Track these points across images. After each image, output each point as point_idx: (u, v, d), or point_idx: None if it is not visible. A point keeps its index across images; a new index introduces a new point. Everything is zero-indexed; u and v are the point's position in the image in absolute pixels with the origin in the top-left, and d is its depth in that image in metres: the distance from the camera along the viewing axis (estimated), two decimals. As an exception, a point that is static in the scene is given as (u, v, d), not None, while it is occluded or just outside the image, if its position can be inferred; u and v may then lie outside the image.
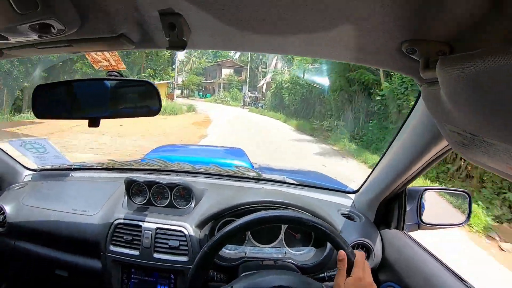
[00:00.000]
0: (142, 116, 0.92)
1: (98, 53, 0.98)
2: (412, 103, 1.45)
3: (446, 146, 0.98)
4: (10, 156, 1.67)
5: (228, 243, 1.03)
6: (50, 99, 1.01)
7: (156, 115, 0.91)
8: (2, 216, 1.47)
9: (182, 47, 0.70)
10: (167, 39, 0.69)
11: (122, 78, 0.91)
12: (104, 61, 0.99)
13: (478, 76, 0.46)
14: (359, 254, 0.95)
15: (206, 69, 51.07)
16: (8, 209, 1.48)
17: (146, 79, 0.95)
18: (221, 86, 45.20)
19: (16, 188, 1.61)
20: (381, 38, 0.66)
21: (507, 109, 0.45)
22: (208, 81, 49.47)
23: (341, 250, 0.93)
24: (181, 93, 51.63)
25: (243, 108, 33.90)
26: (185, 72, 52.26)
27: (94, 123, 0.93)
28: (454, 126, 0.64)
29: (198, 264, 0.96)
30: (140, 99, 0.97)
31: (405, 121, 1.13)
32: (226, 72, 46.17)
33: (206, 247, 0.97)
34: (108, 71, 0.99)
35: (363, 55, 0.79)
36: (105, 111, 0.96)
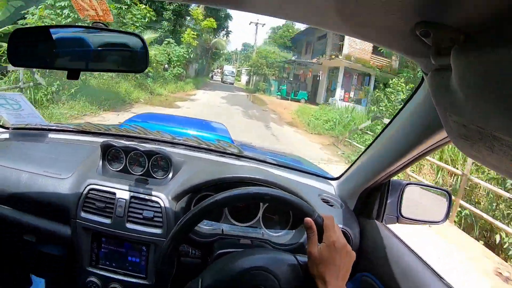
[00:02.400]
0: (125, 72, 0.86)
1: (85, 0, 0.90)
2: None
3: (442, 140, 0.96)
4: None
5: (205, 218, 0.98)
6: (28, 46, 0.93)
7: (141, 72, 0.85)
8: None
9: None
10: None
11: (108, 28, 0.85)
12: (91, 10, 0.92)
13: (496, 67, 0.44)
14: (328, 217, 0.91)
15: (297, 37, 28.70)
16: None
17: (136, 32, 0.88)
18: (326, 76, 21.05)
19: None
20: (395, 16, 0.61)
21: None
22: (302, 61, 25.60)
23: (306, 217, 0.89)
24: (248, 82, 38.05)
25: None
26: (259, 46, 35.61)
27: (73, 75, 0.87)
28: (460, 117, 0.61)
29: (173, 238, 0.92)
30: (125, 54, 0.91)
31: (399, 111, 1.10)
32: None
33: (182, 221, 0.92)
34: (94, 22, 0.92)
35: (373, 33, 0.75)
36: (86, 63, 0.90)
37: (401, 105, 1.10)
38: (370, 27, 0.71)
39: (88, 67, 0.90)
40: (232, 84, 38.68)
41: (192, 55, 21.74)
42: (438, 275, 1.12)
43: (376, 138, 1.25)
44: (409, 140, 1.06)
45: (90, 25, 0.90)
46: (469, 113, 0.57)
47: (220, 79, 42.31)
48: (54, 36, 0.93)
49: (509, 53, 0.41)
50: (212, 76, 45.29)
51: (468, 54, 0.50)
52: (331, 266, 0.83)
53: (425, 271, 1.13)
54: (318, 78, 23.31)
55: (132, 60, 0.90)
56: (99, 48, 0.90)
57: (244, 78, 44.04)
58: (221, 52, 37.93)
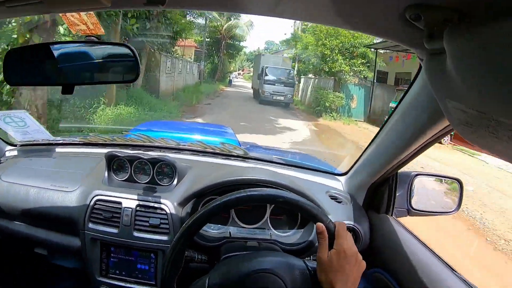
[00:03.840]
0: (119, 83, 0.87)
1: (75, 15, 0.91)
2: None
3: (444, 128, 0.94)
4: None
5: (209, 221, 0.98)
6: (23, 65, 0.95)
7: (133, 81, 0.86)
8: None
9: (160, 3, 0.65)
10: None
11: (98, 41, 0.86)
12: (82, 24, 0.92)
13: (492, 45, 0.42)
14: (340, 224, 0.89)
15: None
16: None
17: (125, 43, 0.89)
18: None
19: None
20: (384, 2, 0.61)
21: None
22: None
23: (318, 223, 0.87)
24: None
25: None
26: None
27: (67, 89, 0.88)
28: (459, 102, 0.59)
29: (177, 243, 0.92)
30: (117, 64, 0.92)
31: (400, 102, 1.08)
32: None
33: (185, 226, 0.92)
34: (86, 36, 0.93)
35: (363, 22, 0.74)
36: (80, 77, 0.92)
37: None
38: (361, 17, 0.71)
39: (81, 81, 0.91)
40: (289, 103, 17.67)
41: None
42: (451, 268, 1.09)
43: (380, 130, 1.23)
44: (411, 130, 1.03)
45: (83, 39, 0.91)
46: (468, 97, 0.55)
47: (253, 92, 20.46)
48: (47, 53, 0.94)
49: (502, 27, 0.39)
50: (230, 81, 28.35)
51: (461, 34, 0.49)
52: (340, 274, 0.81)
53: (437, 264, 1.10)
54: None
55: (123, 70, 0.91)
56: (90, 62, 0.92)
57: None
58: (240, 45, 25.32)
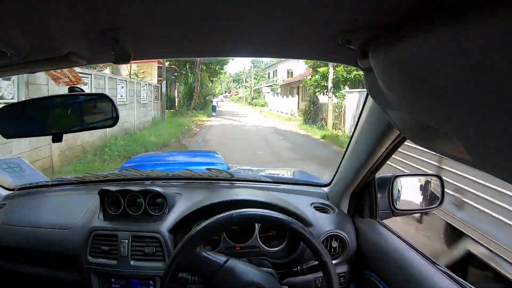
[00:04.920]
0: (101, 128, 0.95)
1: (58, 70, 1.00)
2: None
3: (399, 135, 1.02)
4: None
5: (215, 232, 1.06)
6: (16, 119, 1.03)
7: (114, 126, 0.94)
8: None
9: (127, 59, 0.73)
10: (112, 53, 0.71)
11: (78, 92, 0.94)
12: (64, 77, 1.01)
13: (405, 58, 0.46)
14: None
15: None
16: None
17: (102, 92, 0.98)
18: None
19: None
20: (317, 30, 0.66)
21: (436, 90, 0.43)
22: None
23: None
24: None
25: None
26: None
27: (57, 138, 0.96)
28: (396, 112, 0.65)
29: (169, 269, 1.00)
30: (98, 112, 1.01)
31: (361, 112, 1.16)
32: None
33: (176, 249, 1.01)
34: (69, 87, 1.02)
35: (303, 49, 0.82)
36: (67, 126, 0.99)
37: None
38: (304, 46, 0.78)
39: (69, 129, 0.99)
40: None
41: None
42: (436, 264, 1.13)
43: (350, 139, 1.31)
44: (373, 139, 1.12)
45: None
46: (400, 107, 0.61)
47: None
48: (36, 107, 1.03)
49: (408, 45, 0.44)
50: (214, 108, 22.71)
51: (380, 51, 0.54)
52: None
53: (422, 262, 1.15)
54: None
55: (104, 116, 0.99)
56: (75, 111, 1.00)
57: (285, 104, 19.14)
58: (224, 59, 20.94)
